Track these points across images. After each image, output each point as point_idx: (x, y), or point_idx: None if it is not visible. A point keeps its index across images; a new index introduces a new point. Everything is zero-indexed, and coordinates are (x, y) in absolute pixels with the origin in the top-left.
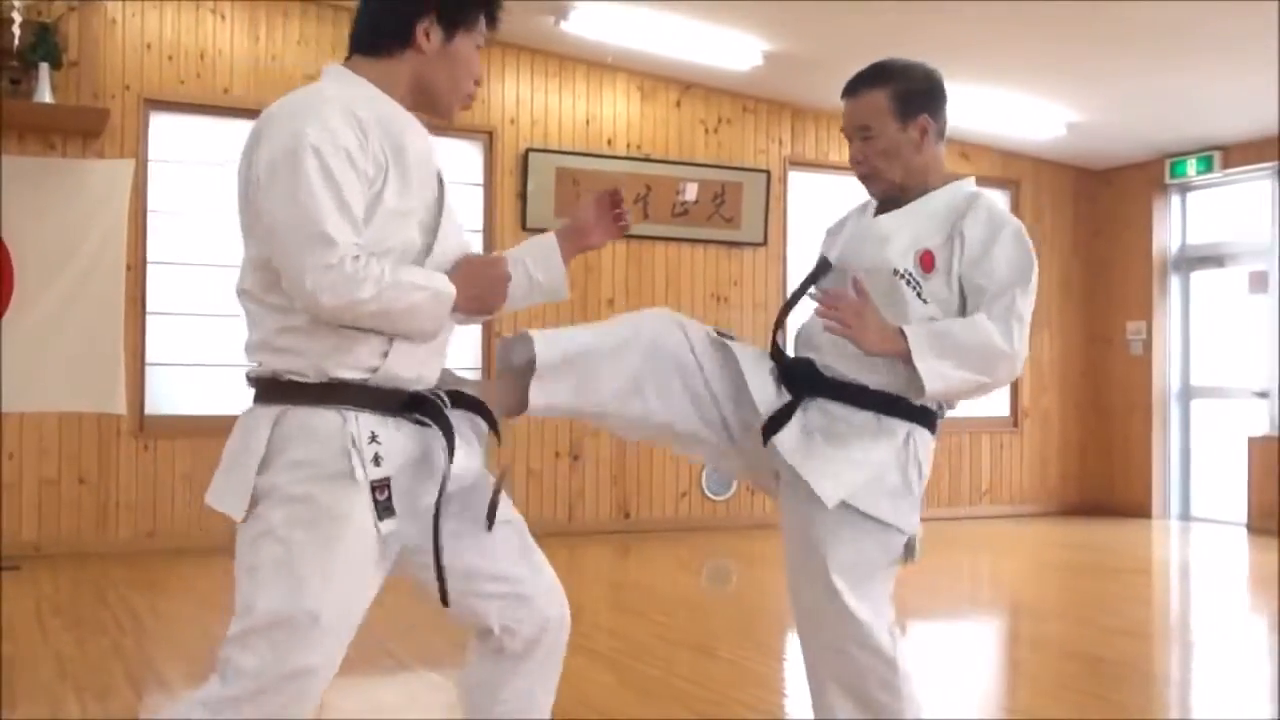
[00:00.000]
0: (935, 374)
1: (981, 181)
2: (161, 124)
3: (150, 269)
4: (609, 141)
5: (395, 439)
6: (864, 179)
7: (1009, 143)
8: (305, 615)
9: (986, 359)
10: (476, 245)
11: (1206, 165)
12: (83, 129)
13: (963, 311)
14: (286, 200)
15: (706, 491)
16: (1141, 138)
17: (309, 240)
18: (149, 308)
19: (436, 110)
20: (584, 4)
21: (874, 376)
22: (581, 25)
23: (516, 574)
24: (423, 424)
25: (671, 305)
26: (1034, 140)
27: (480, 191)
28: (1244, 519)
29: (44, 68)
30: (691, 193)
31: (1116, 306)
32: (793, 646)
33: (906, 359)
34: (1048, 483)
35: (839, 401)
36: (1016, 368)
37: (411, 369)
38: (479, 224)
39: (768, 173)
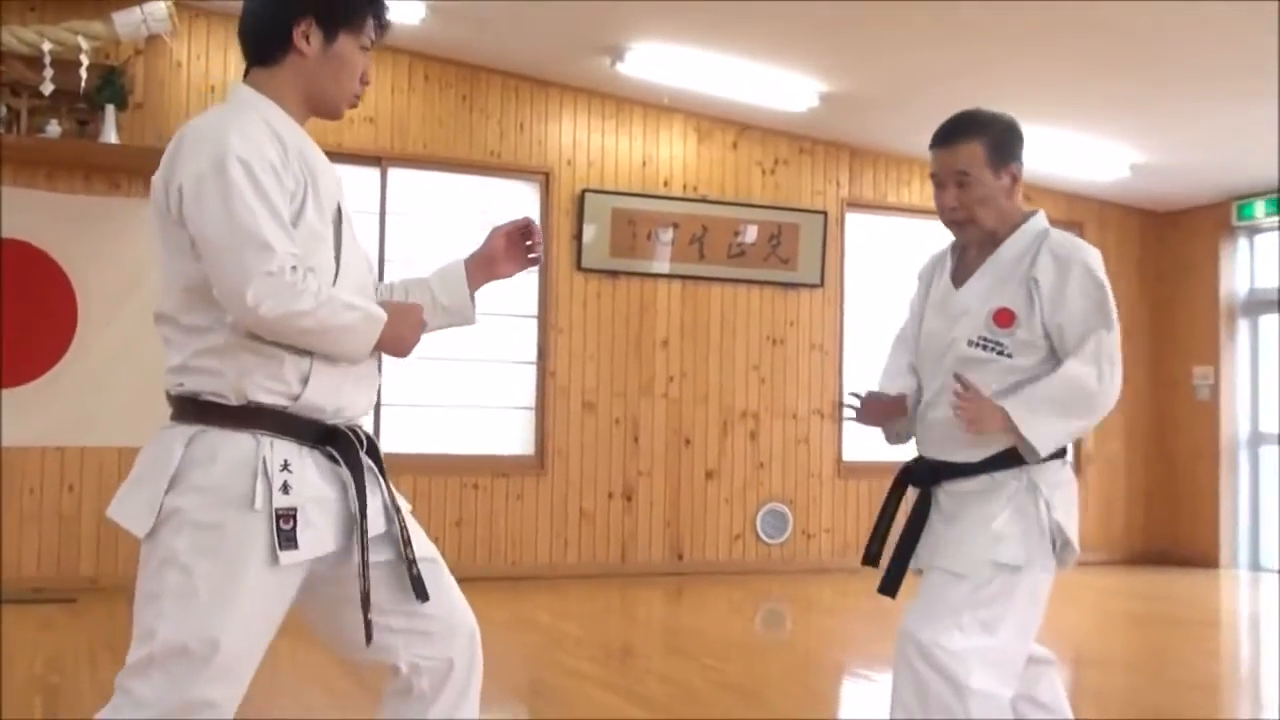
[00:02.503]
0: (1044, 436)
1: None
2: None
3: None
4: (665, 183)
5: (308, 469)
6: (956, 225)
7: (1072, 184)
8: (206, 645)
9: (1085, 404)
10: (530, 285)
11: (1275, 207)
12: (147, 169)
13: (1052, 352)
14: (219, 212)
15: (761, 534)
16: (1208, 179)
17: (247, 249)
18: None
19: (324, 112)
20: (640, 45)
21: (976, 451)
22: (638, 67)
23: (427, 611)
24: (334, 460)
25: (726, 346)
26: (1098, 182)
27: None
28: None
29: (110, 109)
30: (750, 234)
31: (1183, 351)
32: (847, 692)
33: (1015, 431)
34: (1112, 531)
35: (958, 478)
36: (1114, 398)
37: (331, 399)
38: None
39: (825, 214)
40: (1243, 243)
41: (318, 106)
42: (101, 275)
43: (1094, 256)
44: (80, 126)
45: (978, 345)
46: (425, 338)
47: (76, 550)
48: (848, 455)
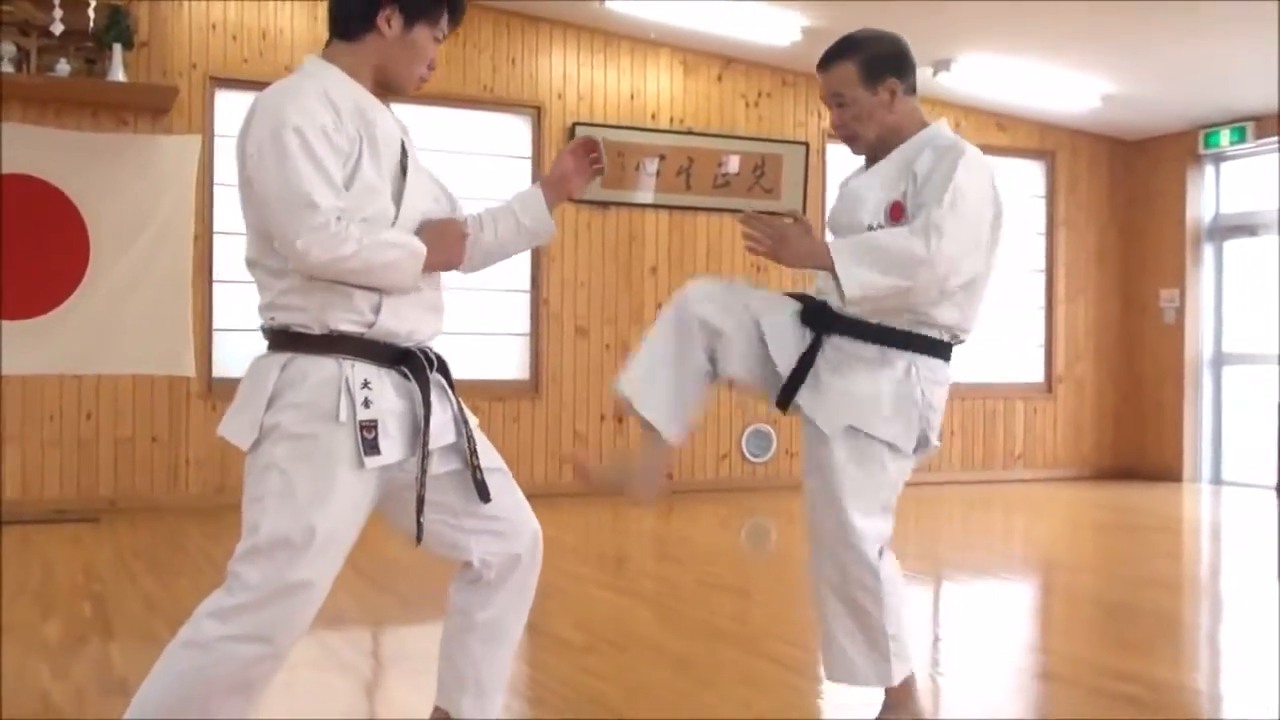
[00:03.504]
0: (853, 280)
1: (1018, 152)
2: (226, 101)
3: (216, 239)
4: (653, 116)
5: (385, 387)
6: (846, 141)
7: (1045, 114)
8: (304, 533)
9: (905, 265)
10: None
11: (1240, 136)
12: (153, 106)
13: None
14: (275, 174)
15: (746, 454)
16: (1175, 109)
17: (297, 207)
18: (215, 275)
19: (393, 88)
20: None
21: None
22: (626, 3)
23: (496, 513)
24: (406, 377)
25: (713, 273)
26: (1069, 112)
27: (528, 164)
28: (1274, 483)
29: (117, 48)
30: (733, 165)
31: (1150, 275)
32: None
33: (833, 270)
34: (1081, 448)
35: (849, 337)
36: (938, 274)
37: (403, 325)
38: None
39: (806, 145)
40: (1209, 170)
41: (387, 82)
42: (111, 209)
43: (975, 156)
44: (88, 65)
45: (874, 230)
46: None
47: (95, 473)
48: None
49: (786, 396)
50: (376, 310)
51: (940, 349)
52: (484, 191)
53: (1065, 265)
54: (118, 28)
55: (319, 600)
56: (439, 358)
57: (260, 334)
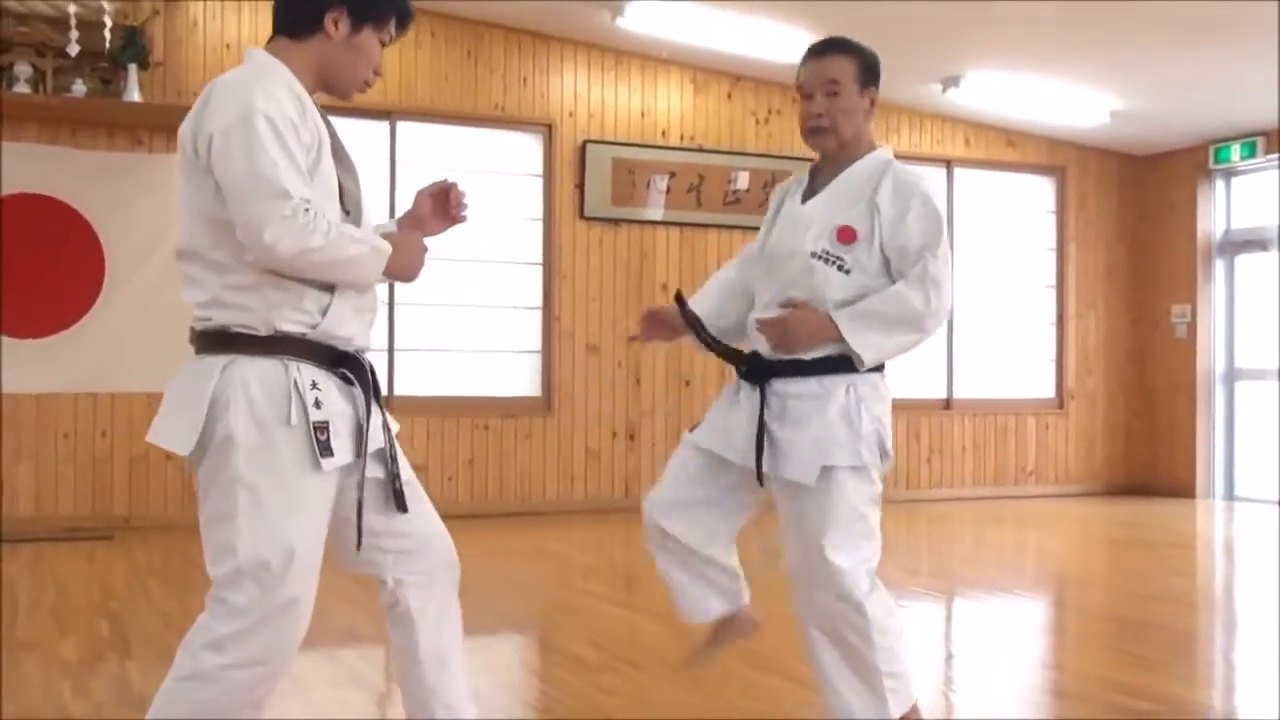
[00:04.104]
0: (869, 346)
1: (1028, 168)
2: None
3: None
4: (663, 133)
5: (331, 389)
6: (819, 133)
7: (1054, 130)
8: (283, 552)
9: (910, 321)
10: (535, 233)
11: (1250, 151)
12: (168, 126)
13: (888, 271)
14: (243, 162)
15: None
16: (1185, 124)
17: (266, 195)
18: None
19: (335, 91)
20: (640, 1)
21: (810, 351)
22: (637, 21)
23: (407, 530)
24: (348, 380)
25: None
26: (1079, 127)
27: (540, 182)
28: None
29: (132, 69)
30: (743, 182)
31: (1161, 290)
32: None
33: (842, 340)
34: (1093, 463)
35: (784, 378)
36: (942, 319)
37: (344, 328)
38: (539, 213)
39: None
40: (1219, 185)
41: (330, 84)
42: (126, 228)
43: (933, 188)
44: (104, 85)
45: (820, 258)
46: (412, 287)
47: (110, 491)
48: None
49: (759, 472)
50: (324, 312)
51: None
52: (495, 210)
53: (1076, 281)
54: (133, 48)
55: (308, 612)
56: (369, 363)
57: (190, 336)
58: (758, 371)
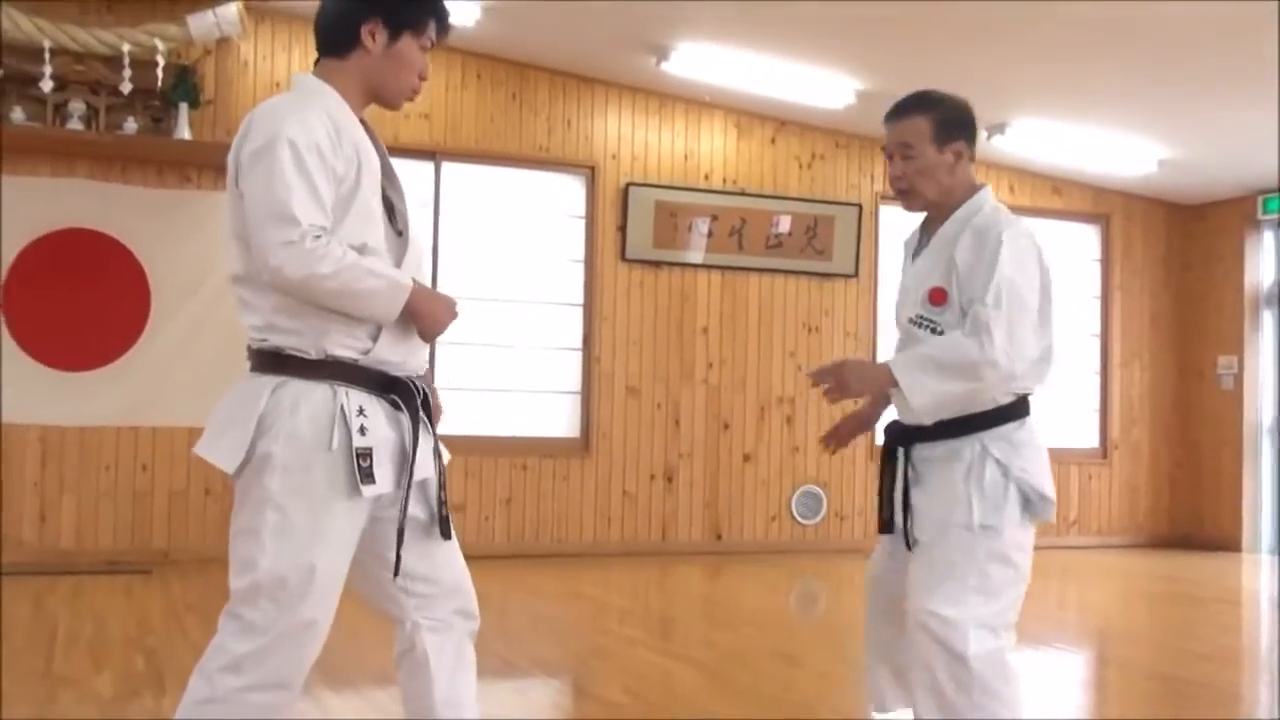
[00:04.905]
0: (918, 387)
1: (1073, 216)
2: None
3: None
4: (706, 176)
5: (378, 415)
6: (902, 194)
7: (1100, 178)
8: (304, 572)
9: (965, 369)
10: (576, 274)
11: None
12: (217, 164)
13: None
14: (261, 186)
15: (796, 516)
16: (1233, 174)
17: (275, 219)
18: None
19: (383, 103)
20: (685, 45)
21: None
22: (682, 65)
23: (438, 575)
24: (396, 407)
25: (764, 334)
26: (1125, 176)
27: (582, 224)
28: None
29: (183, 107)
30: (785, 225)
31: (1208, 341)
32: None
33: (896, 385)
34: (1136, 515)
35: (920, 443)
36: (1001, 370)
37: (397, 354)
38: (580, 255)
39: (859, 206)
40: (1268, 236)
41: (378, 97)
42: (173, 264)
43: (1010, 231)
44: (154, 123)
45: (915, 323)
46: (452, 326)
47: (149, 525)
48: (880, 439)
49: (907, 537)
50: (375, 338)
51: (1006, 413)
52: (537, 250)
53: (1120, 330)
54: (184, 87)
55: (324, 635)
56: (423, 389)
57: (247, 353)
58: (901, 438)
